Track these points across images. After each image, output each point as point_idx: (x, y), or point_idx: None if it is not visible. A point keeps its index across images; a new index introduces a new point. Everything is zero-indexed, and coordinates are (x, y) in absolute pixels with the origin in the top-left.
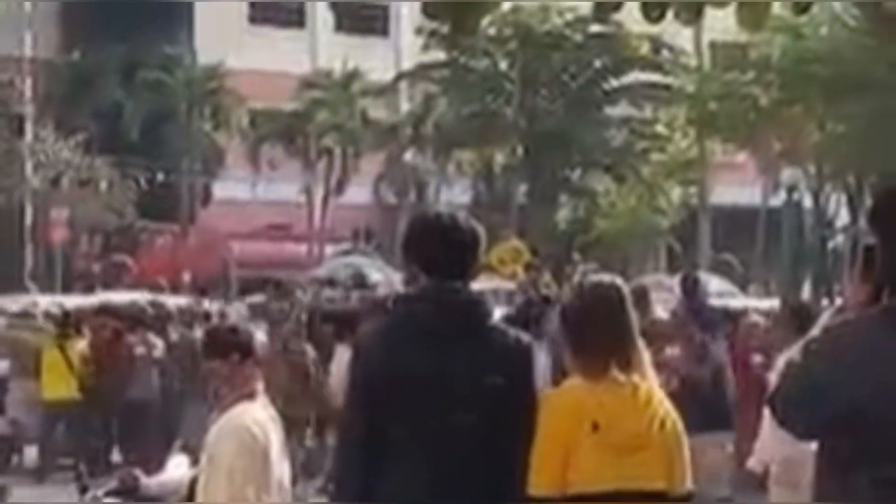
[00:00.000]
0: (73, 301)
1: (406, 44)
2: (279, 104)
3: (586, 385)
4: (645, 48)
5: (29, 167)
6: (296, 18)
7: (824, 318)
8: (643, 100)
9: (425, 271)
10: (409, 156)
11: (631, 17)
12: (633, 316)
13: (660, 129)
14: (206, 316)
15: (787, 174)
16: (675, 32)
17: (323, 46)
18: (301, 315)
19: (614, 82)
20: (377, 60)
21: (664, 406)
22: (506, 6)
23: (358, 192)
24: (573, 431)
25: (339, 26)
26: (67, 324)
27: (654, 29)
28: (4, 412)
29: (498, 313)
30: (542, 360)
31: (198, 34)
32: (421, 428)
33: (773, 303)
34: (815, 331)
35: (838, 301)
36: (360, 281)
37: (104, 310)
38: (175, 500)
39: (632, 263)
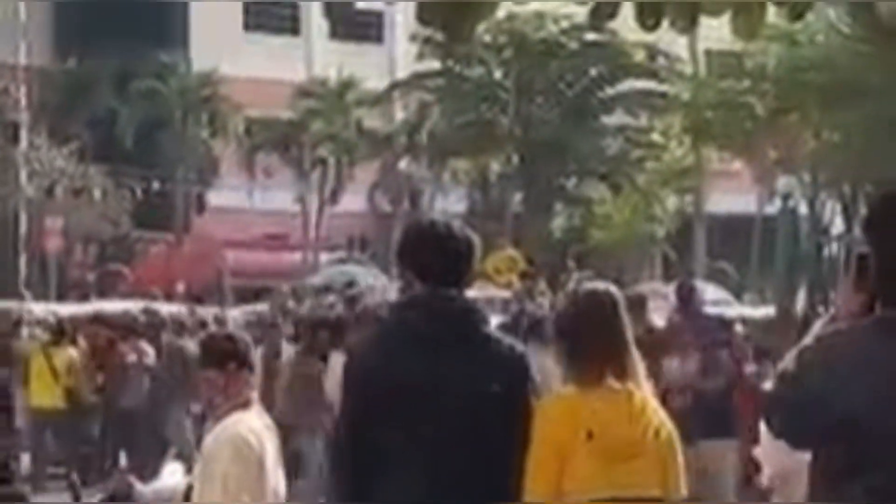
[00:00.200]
0: (67, 309)
1: (401, 51)
2: (274, 112)
3: (581, 393)
4: (640, 56)
5: (23, 175)
6: (290, 25)
7: (817, 327)
8: (639, 108)
9: (420, 279)
10: (403, 164)
11: (626, 25)
12: (628, 323)
13: (655, 137)
14: (202, 324)
15: (783, 182)
16: (670, 41)
17: (318, 53)
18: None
19: (610, 90)
20: (372, 68)
21: (658, 414)
22: (501, 14)
23: (353, 201)
24: (569, 439)
25: (334, 33)
26: (59, 332)
27: (649, 37)
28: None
29: (493, 321)
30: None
31: (192, 42)
32: (414, 435)
33: (768, 310)
34: (807, 339)
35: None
36: (354, 289)
37: (96, 318)
38: None
39: (627, 271)
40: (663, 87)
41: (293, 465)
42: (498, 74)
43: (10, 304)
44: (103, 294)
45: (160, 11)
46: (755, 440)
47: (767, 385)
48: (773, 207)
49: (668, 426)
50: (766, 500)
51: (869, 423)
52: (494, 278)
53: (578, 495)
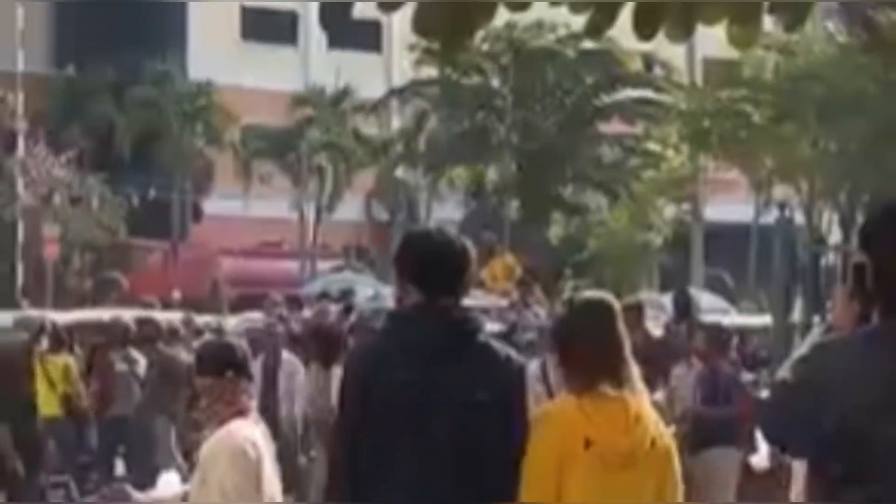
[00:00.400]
0: (65, 317)
1: (398, 60)
2: (271, 121)
3: (578, 402)
4: (638, 65)
5: (20, 184)
6: (288, 34)
7: (813, 336)
8: (636, 116)
9: (417, 288)
10: (400, 172)
11: (623, 33)
12: (625, 333)
13: (652, 145)
14: (197, 332)
15: (780, 191)
16: (667, 49)
17: (315, 62)
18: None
19: (607, 99)
20: (369, 76)
21: (655, 423)
22: (498, 22)
23: (350, 209)
24: (566, 448)
25: (332, 42)
26: (57, 340)
27: (646, 46)
28: None
29: (490, 330)
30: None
31: (190, 50)
32: (410, 444)
33: (764, 319)
34: (804, 348)
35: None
36: (351, 297)
37: (88, 326)
38: None
39: (624, 280)
40: (660, 96)
41: None
42: (495, 83)
43: (32, 313)
44: (99, 302)
45: (158, 20)
46: (752, 448)
47: (764, 393)
48: (769, 216)
49: (665, 436)
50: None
51: (866, 432)
52: (491, 286)
53: None
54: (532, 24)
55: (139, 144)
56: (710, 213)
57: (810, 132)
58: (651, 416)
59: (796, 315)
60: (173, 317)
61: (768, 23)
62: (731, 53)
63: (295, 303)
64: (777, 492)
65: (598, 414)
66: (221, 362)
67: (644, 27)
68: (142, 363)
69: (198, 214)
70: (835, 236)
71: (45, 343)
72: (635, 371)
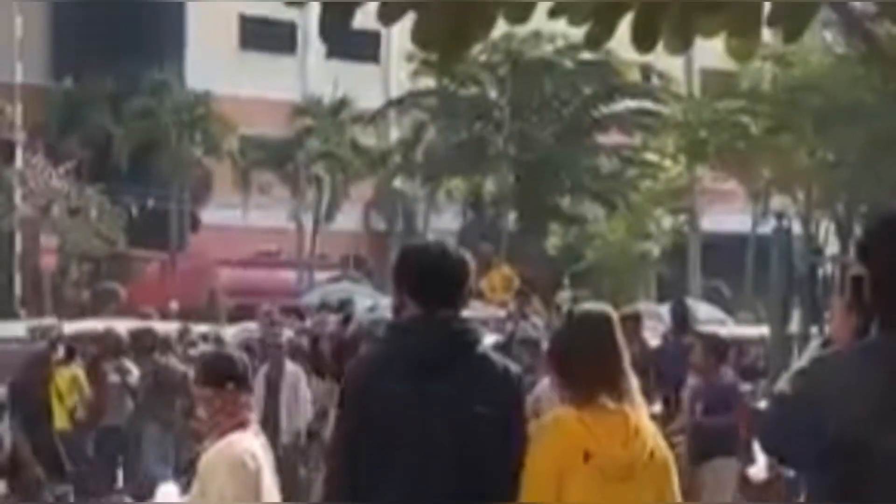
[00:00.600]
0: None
1: (396, 70)
2: (269, 131)
3: (577, 414)
4: (635, 76)
5: (19, 195)
6: (286, 44)
7: (812, 349)
8: (633, 127)
9: (416, 301)
10: (398, 183)
11: (621, 44)
12: (623, 344)
13: (650, 156)
14: (191, 344)
15: (777, 201)
16: (665, 60)
17: (313, 72)
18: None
19: (604, 109)
20: (367, 86)
21: (654, 436)
22: (496, 33)
23: (348, 219)
24: (566, 460)
25: (330, 53)
26: (68, 352)
27: (644, 57)
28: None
29: (488, 341)
30: None
31: (188, 60)
32: (409, 456)
33: (762, 330)
34: (803, 361)
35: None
36: (350, 308)
37: (86, 337)
38: None
39: (622, 290)
40: (658, 107)
41: None
42: (493, 93)
43: (50, 321)
44: (98, 313)
45: (156, 30)
46: (750, 459)
47: (762, 404)
48: (767, 227)
49: (664, 448)
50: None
51: (865, 445)
52: (490, 297)
53: None
54: (530, 35)
55: (137, 155)
56: (707, 223)
57: (808, 143)
58: (649, 429)
59: (794, 326)
60: (171, 327)
61: (766, 34)
62: (729, 64)
63: (295, 314)
64: (775, 503)
65: (597, 426)
66: (222, 374)
67: (643, 39)
68: (135, 373)
69: (196, 224)
70: (832, 246)
71: (60, 351)
72: (634, 383)
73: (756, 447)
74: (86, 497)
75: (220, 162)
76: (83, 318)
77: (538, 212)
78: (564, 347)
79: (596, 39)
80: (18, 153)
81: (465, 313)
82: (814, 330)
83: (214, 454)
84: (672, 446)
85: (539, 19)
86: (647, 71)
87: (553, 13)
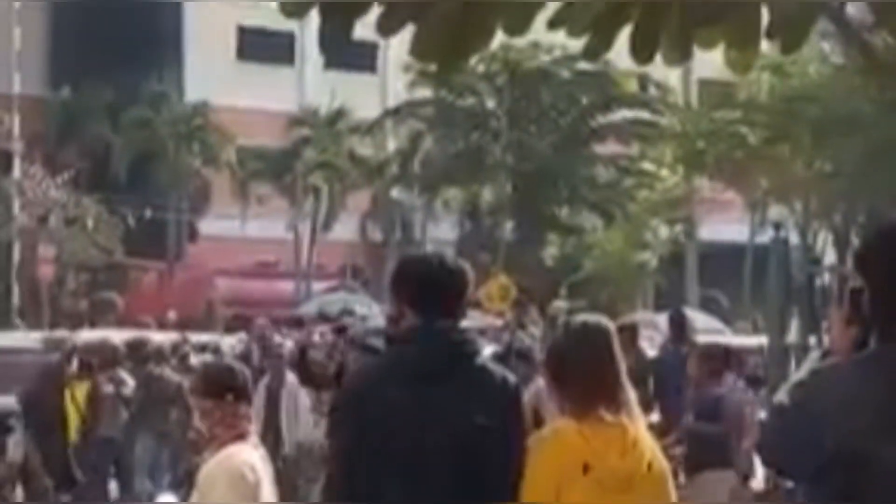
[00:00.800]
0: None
1: (393, 80)
2: (267, 141)
3: (575, 426)
4: (633, 86)
5: (17, 204)
6: (284, 55)
7: (811, 360)
8: (631, 137)
9: (414, 311)
10: (395, 193)
11: (619, 54)
12: (621, 356)
13: (647, 166)
14: (183, 358)
15: (774, 211)
16: (662, 70)
17: (311, 83)
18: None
19: (602, 119)
20: (364, 97)
21: (651, 447)
22: (494, 44)
23: (345, 229)
24: (565, 472)
25: (328, 63)
26: (87, 365)
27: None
28: None
29: (487, 351)
30: None
31: (186, 71)
32: (406, 465)
33: (760, 339)
34: (802, 373)
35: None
36: (345, 318)
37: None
38: None
39: (620, 301)
40: (656, 117)
41: None
42: (490, 103)
43: (60, 333)
44: (95, 323)
45: (154, 41)
46: (749, 470)
47: (760, 414)
48: (764, 236)
49: (662, 460)
50: None
51: (864, 456)
52: (487, 307)
53: None
54: (527, 45)
55: (135, 165)
56: (704, 233)
57: (805, 153)
58: (648, 441)
59: (792, 335)
60: (169, 337)
61: (764, 44)
62: (727, 75)
63: (296, 324)
64: None
65: (596, 439)
66: (222, 385)
67: (641, 51)
68: (130, 384)
69: (194, 235)
70: (830, 257)
71: (74, 364)
72: (632, 395)
73: (755, 458)
74: None
75: (219, 172)
76: (81, 328)
77: (536, 222)
78: (562, 359)
79: (595, 51)
80: (16, 163)
81: (463, 323)
82: (812, 340)
83: (214, 466)
84: (669, 458)
85: (537, 29)
86: (644, 81)
87: (552, 24)
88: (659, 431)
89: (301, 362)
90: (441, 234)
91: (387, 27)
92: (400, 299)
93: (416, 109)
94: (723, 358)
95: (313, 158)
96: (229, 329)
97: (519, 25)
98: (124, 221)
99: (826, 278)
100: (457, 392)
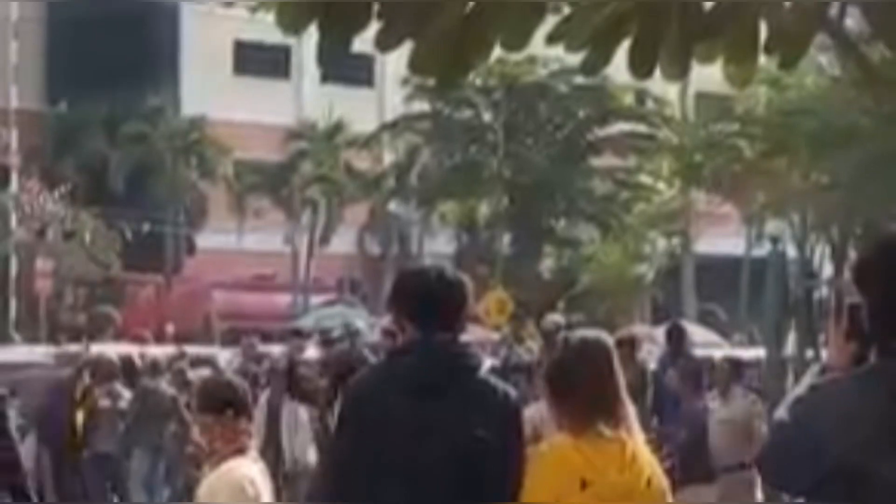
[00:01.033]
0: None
1: (391, 95)
2: (264, 155)
3: (574, 442)
4: (629, 99)
5: (14, 219)
6: (281, 69)
7: (810, 375)
8: (627, 150)
9: (414, 325)
10: (393, 206)
11: (616, 67)
12: (620, 371)
13: (644, 179)
14: (178, 372)
15: (772, 225)
16: (659, 83)
17: (307, 96)
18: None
19: (599, 133)
20: (361, 110)
21: (650, 463)
22: (491, 57)
23: (342, 243)
24: (563, 489)
25: (325, 77)
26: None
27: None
28: None
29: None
30: None
31: (183, 85)
32: (405, 478)
33: (757, 352)
34: (800, 389)
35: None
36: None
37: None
38: None
39: (617, 314)
40: (652, 130)
41: None
42: (487, 117)
43: (72, 348)
44: (93, 337)
45: (151, 55)
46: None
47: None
48: (761, 250)
49: (659, 474)
50: None
51: (864, 472)
52: (484, 321)
53: None
54: (524, 58)
55: (132, 179)
56: (702, 246)
57: (802, 166)
58: (646, 456)
59: (789, 348)
60: (165, 351)
61: (761, 57)
62: (724, 88)
63: (296, 336)
64: None
65: (595, 455)
66: (222, 400)
67: (641, 66)
68: (126, 398)
69: (191, 248)
70: (827, 270)
71: (86, 378)
72: (631, 410)
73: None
74: None
75: (215, 186)
76: (79, 342)
77: (533, 235)
78: (562, 375)
79: (593, 66)
80: (14, 177)
81: (462, 336)
82: (809, 353)
83: (215, 479)
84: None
85: (534, 43)
86: (641, 94)
87: (551, 39)
88: (657, 445)
89: (290, 377)
90: (438, 247)
91: (385, 43)
92: (400, 313)
93: (413, 123)
94: (701, 373)
95: (310, 172)
96: (226, 343)
97: (518, 41)
98: (122, 235)
99: (823, 291)
100: (456, 405)
